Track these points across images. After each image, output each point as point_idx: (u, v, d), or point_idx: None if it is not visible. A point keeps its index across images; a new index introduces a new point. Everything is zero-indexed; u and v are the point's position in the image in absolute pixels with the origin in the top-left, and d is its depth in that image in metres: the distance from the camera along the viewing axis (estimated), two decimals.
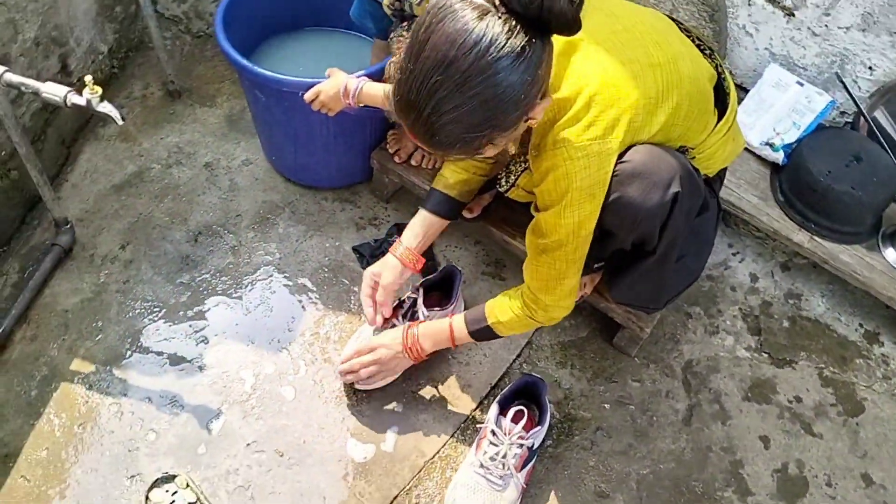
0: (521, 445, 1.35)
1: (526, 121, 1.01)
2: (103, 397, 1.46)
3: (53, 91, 1.24)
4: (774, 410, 1.57)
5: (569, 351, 1.62)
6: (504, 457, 1.34)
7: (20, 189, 1.65)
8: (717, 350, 1.65)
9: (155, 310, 1.59)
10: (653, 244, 1.22)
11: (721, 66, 1.29)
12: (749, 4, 1.75)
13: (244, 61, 1.48)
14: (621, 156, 1.12)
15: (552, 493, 1.42)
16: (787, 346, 1.67)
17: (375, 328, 1.49)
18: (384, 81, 1.45)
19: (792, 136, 1.71)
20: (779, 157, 1.73)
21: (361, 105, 1.45)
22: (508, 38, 0.89)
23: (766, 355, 1.65)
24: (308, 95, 1.47)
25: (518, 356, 1.59)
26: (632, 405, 1.55)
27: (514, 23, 0.89)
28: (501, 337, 1.37)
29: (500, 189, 1.43)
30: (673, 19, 1.28)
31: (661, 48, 1.15)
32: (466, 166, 1.46)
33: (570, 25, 0.93)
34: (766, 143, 1.74)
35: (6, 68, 1.24)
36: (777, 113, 1.74)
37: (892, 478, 1.49)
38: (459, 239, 1.76)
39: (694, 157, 1.27)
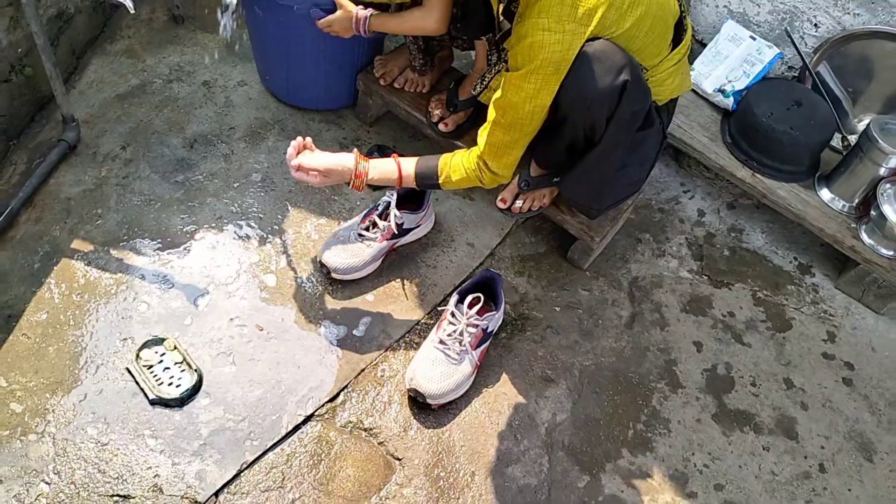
0: (476, 326, 1.51)
1: None
2: (101, 273, 1.60)
3: None
4: (709, 322, 1.74)
5: (527, 263, 1.78)
6: (461, 334, 1.50)
7: (32, 87, 1.78)
8: (662, 270, 1.82)
9: (151, 202, 1.73)
10: (600, 133, 1.37)
11: (685, 7, 1.46)
12: None
13: None
14: (586, 44, 1.27)
15: (503, 374, 1.57)
16: (726, 270, 1.84)
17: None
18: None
19: (741, 84, 1.88)
20: (728, 102, 1.90)
21: (371, 33, 1.61)
22: None
23: (706, 277, 1.82)
24: (322, 23, 1.63)
25: (481, 264, 1.75)
26: (580, 310, 1.71)
27: None
28: (441, 188, 1.48)
29: (473, 93, 1.59)
30: None
31: None
32: None
33: None
34: (719, 90, 1.91)
35: None
36: (730, 64, 1.91)
37: (812, 384, 1.66)
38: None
39: (647, 80, 1.44)
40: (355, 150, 1.48)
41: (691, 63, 1.98)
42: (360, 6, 1.58)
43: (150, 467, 1.36)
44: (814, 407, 1.62)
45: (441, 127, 1.74)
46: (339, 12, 1.60)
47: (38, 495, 1.31)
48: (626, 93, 1.29)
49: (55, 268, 1.59)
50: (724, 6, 1.96)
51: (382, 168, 1.48)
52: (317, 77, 1.86)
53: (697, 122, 1.91)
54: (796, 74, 1.94)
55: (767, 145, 1.80)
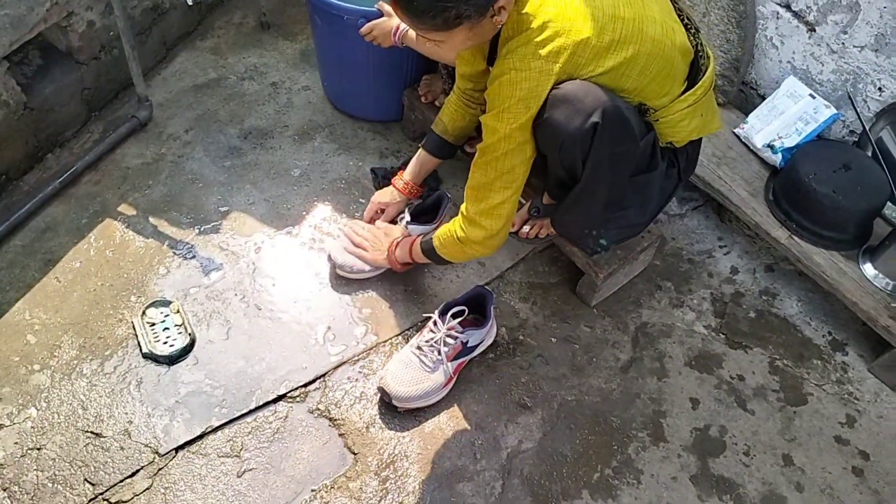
0: (456, 339, 1.51)
1: (492, 16, 1.21)
2: (135, 235, 1.75)
3: None
4: (713, 381, 1.64)
5: (535, 290, 1.76)
6: (438, 343, 1.51)
7: (118, 67, 2.00)
8: (675, 321, 1.74)
9: (196, 181, 1.88)
10: (578, 172, 1.36)
11: (702, 45, 1.43)
12: (777, 17, 1.85)
13: None
14: (558, 85, 1.28)
15: (479, 392, 1.56)
16: (747, 333, 1.73)
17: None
18: None
19: (792, 142, 1.79)
20: (776, 159, 1.81)
21: (404, 45, 1.70)
22: None
23: (722, 336, 1.72)
24: (364, 29, 1.74)
25: (487, 284, 1.75)
26: (577, 345, 1.67)
27: None
28: (441, 259, 1.53)
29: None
30: (673, 1, 1.43)
31: (632, 8, 1.30)
32: (461, 112, 1.65)
33: None
34: (768, 146, 1.83)
35: None
36: (785, 120, 1.83)
37: (815, 466, 1.52)
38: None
39: (657, 120, 1.41)
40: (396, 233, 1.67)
41: (746, 115, 1.91)
42: None
43: (127, 413, 1.47)
44: (811, 490, 1.48)
45: (467, 148, 1.78)
46: (381, 19, 1.69)
47: (26, 418, 1.44)
48: (599, 134, 1.27)
49: (99, 225, 1.77)
50: (788, 62, 1.88)
51: (404, 243, 1.62)
52: (367, 88, 1.96)
53: (741, 176, 1.83)
54: (856, 140, 1.82)
55: (808, 207, 1.69)
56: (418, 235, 1.61)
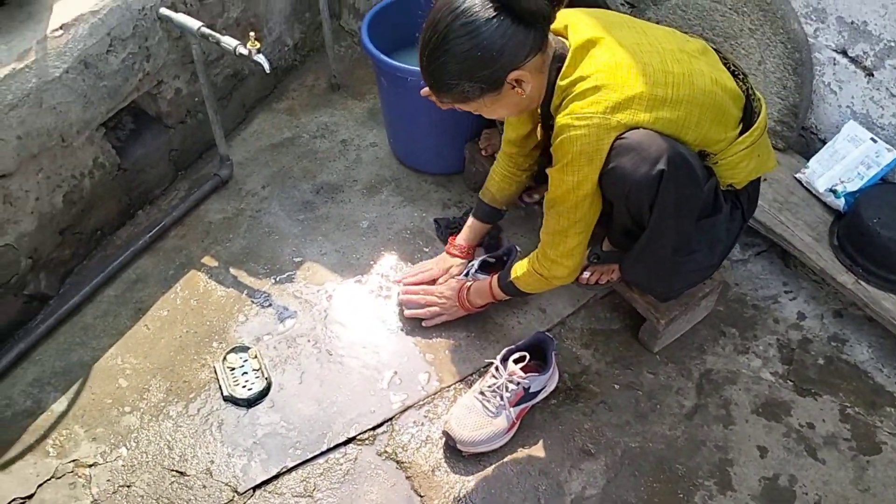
0: (518, 384, 1.55)
1: (513, 88, 1.30)
2: (217, 285, 1.88)
3: (229, 42, 1.71)
4: (781, 429, 1.62)
5: (597, 336, 1.79)
6: (500, 389, 1.55)
7: (203, 131, 2.16)
8: (741, 367, 1.73)
9: (272, 234, 2.01)
10: (645, 218, 1.40)
11: (751, 89, 1.47)
12: (834, 63, 1.87)
13: (374, 49, 1.89)
14: (622, 135, 1.34)
15: (542, 438, 1.59)
16: (816, 380, 1.71)
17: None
18: None
19: (855, 186, 1.79)
20: (839, 203, 1.81)
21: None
22: (479, 10, 1.22)
23: (790, 383, 1.70)
24: (424, 91, 1.84)
25: (549, 330, 1.79)
26: (640, 391, 1.68)
27: (489, 2, 1.22)
28: (523, 293, 1.63)
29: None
30: (717, 50, 1.48)
31: (680, 63, 1.36)
32: (508, 180, 1.76)
33: (530, 13, 1.23)
34: (830, 190, 1.82)
35: (202, 24, 1.74)
36: (847, 164, 1.82)
37: None
38: (528, 230, 2.01)
39: (717, 163, 1.45)
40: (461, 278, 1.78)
41: (807, 159, 1.92)
42: None
43: (209, 453, 1.56)
44: None
45: (526, 199, 1.85)
46: None
47: (117, 457, 1.55)
48: (665, 181, 1.32)
49: (184, 276, 1.90)
50: (848, 106, 1.89)
51: (479, 286, 1.71)
52: (429, 143, 2.07)
53: (804, 221, 1.83)
54: None
55: (874, 252, 1.68)
56: (492, 277, 1.69)
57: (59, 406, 1.64)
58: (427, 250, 1.96)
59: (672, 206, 1.37)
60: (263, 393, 1.65)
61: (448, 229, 1.98)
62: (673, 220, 1.40)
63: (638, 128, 1.32)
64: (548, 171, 1.41)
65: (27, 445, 1.57)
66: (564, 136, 1.33)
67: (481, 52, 1.25)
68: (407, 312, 1.78)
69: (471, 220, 1.85)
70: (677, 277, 1.57)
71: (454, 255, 1.84)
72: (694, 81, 1.35)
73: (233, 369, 1.68)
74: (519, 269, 1.59)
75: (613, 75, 1.31)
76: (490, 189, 1.79)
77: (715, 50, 1.48)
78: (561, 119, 1.33)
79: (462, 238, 1.85)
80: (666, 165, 1.31)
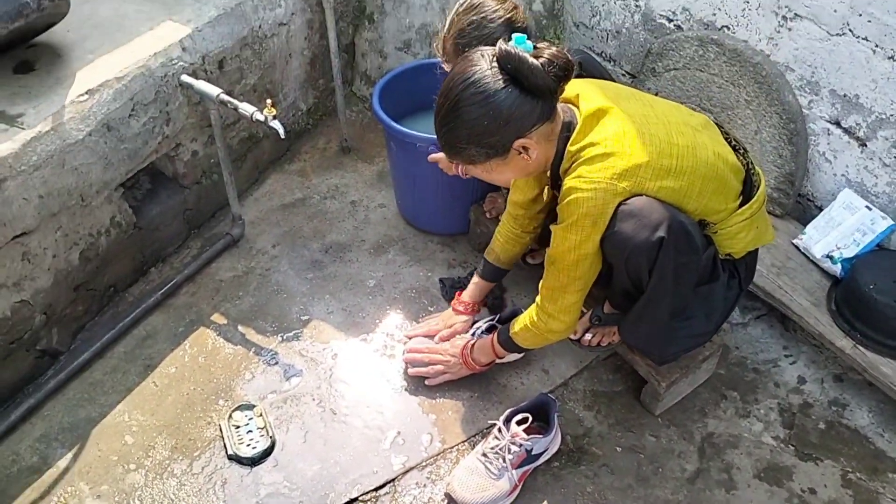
0: (520, 446, 1.56)
1: (519, 154, 1.37)
2: (225, 343, 1.91)
3: (246, 108, 1.79)
4: (783, 494, 1.62)
5: (600, 399, 1.81)
6: (503, 450, 1.56)
7: (217, 191, 2.23)
8: (743, 431, 1.74)
9: (280, 292, 2.05)
10: (644, 282, 1.44)
11: (751, 164, 1.53)
12: (828, 134, 1.93)
13: (384, 116, 1.97)
14: (625, 200, 1.39)
15: (544, 501, 1.60)
16: (817, 444, 1.71)
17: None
18: None
19: (851, 252, 1.83)
20: (836, 269, 1.84)
21: (467, 175, 1.87)
22: (487, 83, 1.30)
23: (792, 447, 1.71)
24: (432, 158, 1.92)
25: (552, 391, 1.81)
26: (642, 454, 1.69)
27: (499, 74, 1.30)
28: (523, 348, 1.66)
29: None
30: (718, 125, 1.55)
31: (684, 136, 1.43)
32: (513, 241, 1.81)
33: (539, 89, 1.31)
34: (827, 256, 1.86)
35: (222, 90, 1.83)
36: (843, 231, 1.87)
37: None
38: (531, 290, 2.04)
39: (716, 233, 1.50)
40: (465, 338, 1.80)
41: (804, 225, 1.96)
42: None
43: None
44: None
45: (529, 260, 1.89)
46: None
47: None
48: (664, 248, 1.37)
49: (194, 333, 1.93)
50: (843, 175, 1.94)
51: (482, 343, 1.74)
52: (436, 205, 2.13)
53: (802, 286, 1.87)
54: None
55: (871, 317, 1.71)
56: (493, 335, 1.72)
57: (65, 462, 1.65)
58: (432, 309, 2.00)
59: (670, 271, 1.41)
60: (267, 452, 1.66)
61: (453, 289, 2.02)
62: (671, 285, 1.44)
63: (642, 195, 1.38)
64: (552, 227, 1.45)
65: (31, 502, 1.58)
66: (572, 197, 1.38)
67: (489, 120, 1.32)
68: (411, 371, 1.81)
69: (476, 278, 1.90)
70: (673, 342, 1.60)
71: (459, 312, 1.88)
72: (697, 154, 1.41)
73: (238, 427, 1.70)
74: (517, 324, 1.63)
75: (622, 144, 1.37)
76: (495, 249, 1.84)
77: (717, 125, 1.55)
78: (569, 181, 1.39)
79: (467, 295, 1.89)
80: (666, 233, 1.35)
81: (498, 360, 1.78)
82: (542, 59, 1.30)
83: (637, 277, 1.45)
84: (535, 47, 1.33)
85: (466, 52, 1.41)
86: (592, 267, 1.46)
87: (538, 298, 1.56)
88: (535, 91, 1.32)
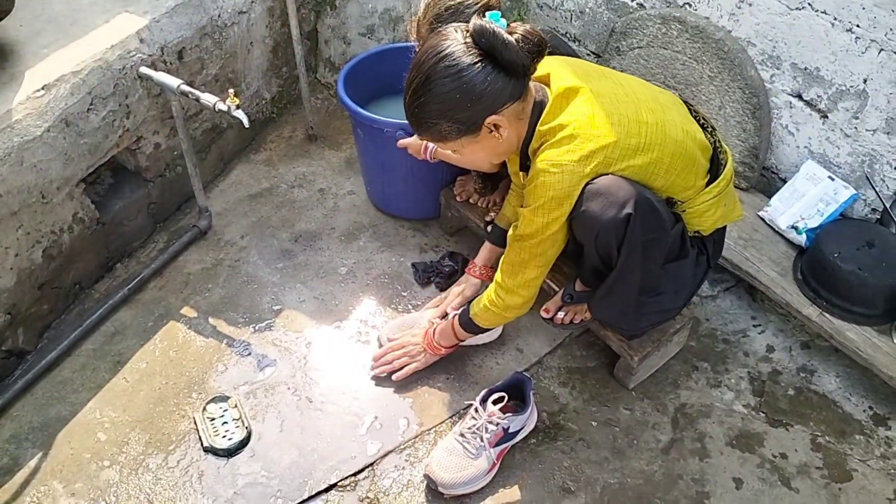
0: (497, 425, 1.57)
1: (490, 132, 1.37)
2: (196, 335, 1.89)
3: (208, 99, 1.76)
4: (755, 460, 1.65)
5: (574, 375, 1.82)
6: (480, 430, 1.57)
7: (182, 183, 2.20)
8: (714, 401, 1.77)
9: (251, 283, 2.03)
10: (614, 259, 1.46)
11: (719, 142, 1.55)
12: (791, 107, 1.96)
13: (351, 103, 1.95)
14: (591, 181, 1.40)
15: (523, 477, 1.61)
16: (787, 410, 1.75)
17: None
18: None
19: (815, 222, 1.86)
20: (801, 239, 1.88)
21: (435, 159, 1.86)
22: (459, 57, 1.29)
23: (762, 414, 1.74)
24: (400, 144, 1.91)
25: (527, 370, 1.82)
26: (617, 427, 1.71)
27: (473, 49, 1.29)
28: (482, 328, 1.67)
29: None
30: (687, 103, 1.57)
31: (653, 113, 1.44)
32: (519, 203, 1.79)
33: (513, 66, 1.30)
34: (792, 227, 1.90)
35: (182, 81, 1.79)
36: (806, 202, 1.90)
37: None
38: None
39: (684, 211, 1.52)
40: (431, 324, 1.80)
41: (769, 198, 1.99)
42: None
43: None
44: None
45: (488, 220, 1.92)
46: (414, 137, 1.85)
47: None
48: (632, 224, 1.38)
49: (163, 328, 1.91)
50: (805, 146, 1.98)
51: (443, 327, 1.74)
52: (406, 190, 2.12)
53: (769, 257, 1.90)
54: (879, 217, 1.88)
55: (835, 285, 1.74)
56: (454, 317, 1.72)
57: (37, 462, 1.62)
58: (405, 294, 2.00)
59: (639, 247, 1.42)
60: (244, 442, 1.65)
61: (426, 273, 2.02)
62: (639, 261, 1.45)
63: (607, 174, 1.39)
64: (520, 210, 1.46)
65: (4, 503, 1.55)
66: (539, 180, 1.39)
67: (461, 94, 1.31)
68: (374, 369, 1.80)
69: (487, 244, 1.89)
70: (642, 317, 1.61)
71: (477, 277, 1.87)
72: (666, 131, 1.43)
73: (213, 419, 1.69)
74: (476, 305, 1.64)
75: (590, 125, 1.37)
76: (506, 214, 1.83)
77: (686, 103, 1.56)
78: (537, 164, 1.39)
79: (481, 259, 1.88)
80: (633, 209, 1.37)
81: (462, 344, 1.77)
82: (515, 36, 1.29)
83: (607, 254, 1.46)
84: (508, 25, 1.32)
85: None
86: (555, 245, 1.47)
87: (497, 274, 1.57)
88: (509, 67, 1.31)
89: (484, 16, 1.32)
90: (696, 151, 1.47)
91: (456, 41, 1.31)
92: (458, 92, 1.31)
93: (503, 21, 1.32)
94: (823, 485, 1.61)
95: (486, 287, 1.80)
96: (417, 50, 1.52)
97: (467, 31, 1.32)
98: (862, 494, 1.59)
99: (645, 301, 1.56)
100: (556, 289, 1.78)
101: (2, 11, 1.76)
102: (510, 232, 1.51)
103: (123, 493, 1.57)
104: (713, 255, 1.65)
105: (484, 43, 1.29)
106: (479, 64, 1.30)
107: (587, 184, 1.38)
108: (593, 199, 1.38)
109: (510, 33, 1.29)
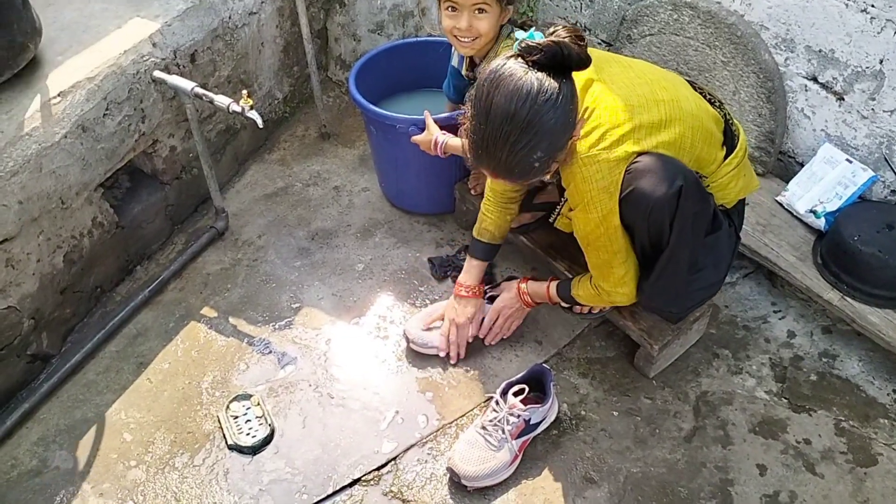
0: (518, 416, 1.58)
1: (571, 139, 1.34)
2: (217, 335, 1.91)
3: (222, 100, 1.77)
4: (779, 446, 1.64)
5: (594, 365, 1.82)
6: (501, 422, 1.57)
7: (198, 185, 2.22)
8: (736, 388, 1.76)
9: (269, 282, 2.04)
10: (666, 237, 1.44)
11: (728, 114, 1.55)
12: (806, 90, 1.94)
13: (362, 100, 1.96)
14: (633, 161, 1.39)
15: (545, 469, 1.61)
16: (810, 396, 1.74)
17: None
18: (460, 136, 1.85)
19: (834, 206, 1.84)
20: (820, 223, 1.86)
21: (447, 154, 1.86)
22: (546, 85, 1.23)
23: (785, 400, 1.73)
24: (413, 140, 1.91)
25: (546, 361, 1.82)
26: (639, 417, 1.71)
27: (545, 74, 1.24)
28: (580, 304, 1.72)
29: (550, 220, 1.78)
30: (690, 81, 1.56)
31: (667, 91, 1.45)
32: (502, 216, 1.79)
33: (583, 61, 1.28)
34: (811, 211, 1.88)
35: (196, 84, 1.81)
36: (824, 185, 1.88)
37: None
38: (519, 264, 2.06)
39: (709, 185, 1.52)
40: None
41: (786, 182, 1.98)
42: (442, 131, 1.83)
43: (216, 502, 1.57)
44: None
45: (513, 224, 1.90)
46: (424, 133, 1.86)
47: None
48: (683, 196, 1.37)
49: (185, 328, 1.93)
50: (822, 129, 1.96)
51: (535, 288, 1.78)
52: (420, 186, 2.13)
53: (788, 242, 1.88)
54: None
55: (856, 268, 1.73)
56: (549, 283, 1.74)
57: (65, 463, 1.65)
58: (422, 289, 2.00)
59: (690, 221, 1.43)
60: (267, 439, 1.67)
61: (442, 268, 2.02)
62: (690, 235, 1.45)
63: (644, 153, 1.39)
64: (570, 215, 1.47)
65: None
66: (578, 177, 1.39)
67: (565, 118, 1.28)
68: (412, 346, 1.82)
69: (471, 261, 1.84)
70: (689, 296, 1.62)
71: (465, 297, 1.81)
72: (682, 106, 1.44)
73: (236, 417, 1.70)
74: (582, 289, 1.64)
75: (613, 112, 1.38)
76: (488, 229, 1.81)
77: (688, 81, 1.56)
78: (570, 164, 1.39)
79: (468, 279, 1.82)
80: (683, 181, 1.37)
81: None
82: (566, 38, 1.25)
83: (658, 232, 1.43)
84: (544, 34, 1.29)
85: None
86: (626, 235, 1.47)
87: (592, 279, 1.58)
88: (578, 68, 1.28)
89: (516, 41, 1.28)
90: (710, 124, 1.49)
91: (525, 72, 1.25)
92: (563, 117, 1.27)
93: (539, 33, 1.29)
94: (848, 469, 1.60)
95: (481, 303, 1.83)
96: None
97: (523, 61, 1.26)
98: (888, 478, 1.58)
99: (690, 279, 1.56)
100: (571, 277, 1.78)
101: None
102: (579, 240, 1.52)
103: (150, 492, 1.59)
104: (739, 225, 1.66)
105: (550, 60, 1.24)
106: (563, 82, 1.26)
107: (628, 167, 1.39)
108: (642, 178, 1.37)
109: (556, 38, 1.26)
